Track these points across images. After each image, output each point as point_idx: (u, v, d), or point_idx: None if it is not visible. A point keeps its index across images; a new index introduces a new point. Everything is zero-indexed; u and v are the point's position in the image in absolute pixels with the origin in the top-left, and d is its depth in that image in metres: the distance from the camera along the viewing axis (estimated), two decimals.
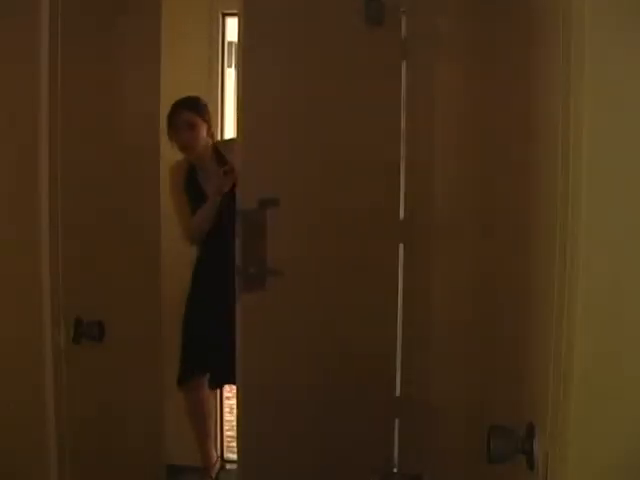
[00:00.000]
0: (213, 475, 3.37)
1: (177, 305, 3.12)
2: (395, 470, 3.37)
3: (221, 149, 3.13)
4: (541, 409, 1.12)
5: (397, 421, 3.35)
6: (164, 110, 2.36)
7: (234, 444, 3.72)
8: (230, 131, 4.48)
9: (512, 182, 1.52)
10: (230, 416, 3.90)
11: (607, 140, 1.02)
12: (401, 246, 3.31)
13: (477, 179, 2.00)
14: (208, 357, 3.07)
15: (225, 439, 3.70)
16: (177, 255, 3.16)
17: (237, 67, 3.02)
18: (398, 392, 3.34)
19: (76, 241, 1.67)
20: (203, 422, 3.27)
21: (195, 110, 3.07)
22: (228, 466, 3.62)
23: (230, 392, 3.74)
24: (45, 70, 1.52)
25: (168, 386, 2.50)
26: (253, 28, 2.92)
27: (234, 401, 3.30)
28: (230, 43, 3.87)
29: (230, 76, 4.15)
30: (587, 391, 1.02)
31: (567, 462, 1.03)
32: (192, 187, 3.08)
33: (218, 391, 3.44)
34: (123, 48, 1.99)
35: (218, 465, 3.43)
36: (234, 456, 3.63)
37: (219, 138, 3.42)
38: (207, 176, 3.06)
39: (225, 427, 3.72)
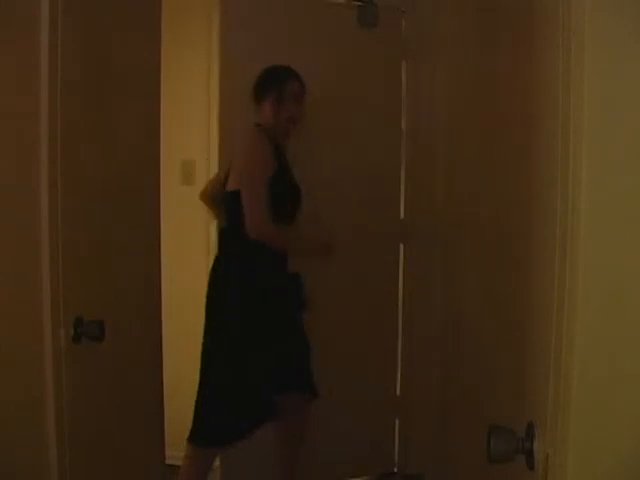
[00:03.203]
0: None
1: (178, 305, 3.12)
2: (395, 470, 3.37)
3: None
4: (541, 409, 1.12)
5: (397, 421, 3.35)
6: (164, 111, 2.36)
7: None
8: None
9: (512, 182, 1.52)
10: None
11: (607, 139, 1.02)
12: (401, 246, 3.32)
13: (477, 178, 2.00)
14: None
15: None
16: (177, 254, 3.17)
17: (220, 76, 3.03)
18: (398, 392, 3.35)
19: (76, 241, 1.67)
20: None
21: (302, 81, 2.75)
22: None
23: None
24: (45, 72, 1.52)
25: (168, 386, 2.49)
26: (235, 29, 2.98)
27: None
28: None
29: None
30: (587, 391, 1.02)
31: (567, 462, 1.03)
32: (280, 164, 2.62)
33: None
34: (122, 50, 1.99)
35: None
36: None
37: None
38: (287, 162, 2.72)
39: None
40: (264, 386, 2.61)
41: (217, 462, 3.40)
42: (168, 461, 2.57)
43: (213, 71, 3.29)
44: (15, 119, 1.48)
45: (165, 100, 2.38)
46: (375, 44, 3.20)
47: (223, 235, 2.77)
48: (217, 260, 2.71)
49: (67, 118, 1.59)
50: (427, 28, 3.12)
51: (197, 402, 2.59)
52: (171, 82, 2.71)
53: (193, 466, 2.64)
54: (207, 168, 3.36)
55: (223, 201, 2.69)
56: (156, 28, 2.27)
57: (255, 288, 2.60)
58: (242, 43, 3.08)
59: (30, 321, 1.54)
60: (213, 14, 3.27)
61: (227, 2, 3.08)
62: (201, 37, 3.36)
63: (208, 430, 2.58)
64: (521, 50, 1.45)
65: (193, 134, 3.41)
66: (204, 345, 2.61)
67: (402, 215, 3.33)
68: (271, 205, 2.52)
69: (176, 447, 2.93)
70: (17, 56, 1.49)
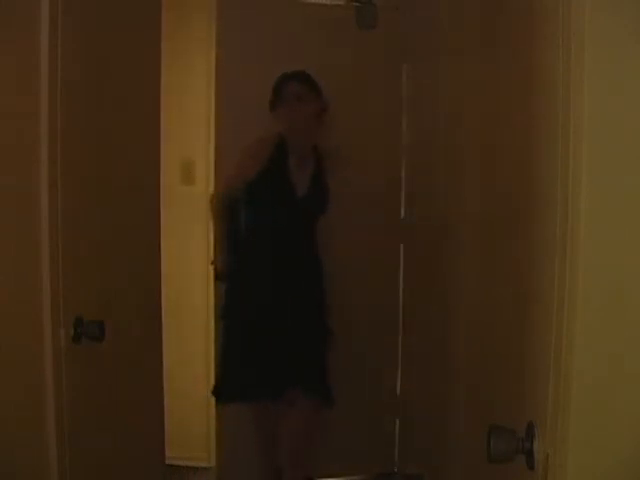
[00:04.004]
0: None
1: (178, 305, 3.12)
2: (395, 470, 3.37)
3: (323, 153, 2.85)
4: (541, 409, 1.12)
5: (397, 421, 3.35)
6: (164, 111, 2.36)
7: None
8: None
9: (512, 182, 1.52)
10: None
11: (607, 139, 1.02)
12: (401, 246, 3.32)
13: (477, 178, 2.00)
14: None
15: None
16: (177, 255, 3.17)
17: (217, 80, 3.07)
18: (398, 392, 3.35)
19: (76, 241, 1.67)
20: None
21: (305, 82, 2.75)
22: None
23: None
24: (45, 72, 1.52)
25: (168, 386, 2.49)
26: (233, 31, 3.02)
27: None
28: None
29: None
30: (587, 391, 1.02)
31: (567, 462, 1.03)
32: (275, 168, 2.74)
33: None
34: (122, 50, 1.99)
35: None
36: None
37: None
38: (299, 168, 2.78)
39: None
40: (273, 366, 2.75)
41: (214, 462, 3.42)
42: (168, 461, 2.57)
43: (213, 71, 3.30)
44: (15, 119, 1.48)
45: (165, 100, 2.38)
46: (374, 45, 3.21)
47: None
48: None
49: (67, 118, 1.58)
50: (427, 28, 3.12)
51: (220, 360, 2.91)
52: (171, 82, 2.71)
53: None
54: (207, 168, 3.36)
55: None
56: (156, 29, 2.27)
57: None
58: (240, 46, 3.11)
59: (30, 321, 1.54)
60: (213, 14, 3.28)
61: (225, 5, 3.11)
62: (201, 37, 3.35)
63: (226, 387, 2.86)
64: (521, 50, 1.45)
65: (193, 134, 3.41)
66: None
67: (402, 215, 3.33)
68: (250, 204, 2.76)
69: (176, 447, 2.94)
70: (17, 56, 1.49)
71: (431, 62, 3.07)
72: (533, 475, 1.11)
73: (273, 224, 2.80)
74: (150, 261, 2.28)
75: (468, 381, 2.04)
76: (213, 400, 3.35)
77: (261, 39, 3.14)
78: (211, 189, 3.34)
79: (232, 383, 2.85)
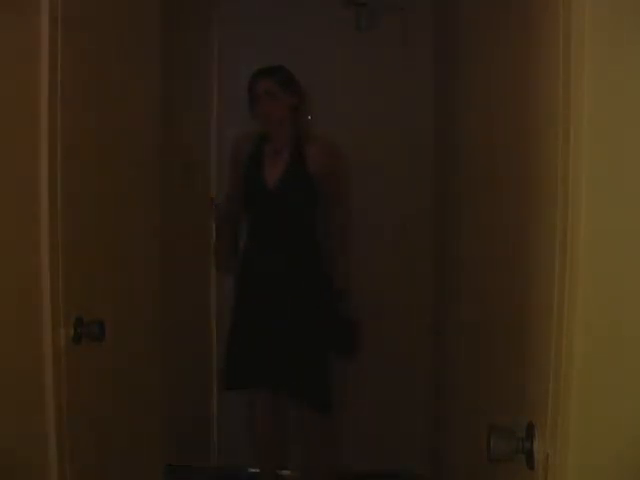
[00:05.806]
0: None
1: (178, 304, 3.12)
2: (395, 470, 3.37)
3: (306, 146, 2.79)
4: (541, 409, 1.12)
5: (398, 421, 3.35)
6: (164, 112, 2.36)
7: None
8: None
9: (512, 181, 1.52)
10: None
11: (608, 140, 1.02)
12: (401, 246, 3.32)
13: (477, 177, 2.00)
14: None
15: None
16: (177, 255, 3.17)
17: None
18: (400, 391, 3.35)
19: (76, 241, 1.67)
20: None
21: (275, 78, 2.75)
22: None
23: None
24: (45, 72, 1.52)
25: (169, 386, 2.50)
26: (233, 34, 3.12)
27: None
28: None
29: None
30: (587, 391, 1.02)
31: (567, 462, 1.03)
32: (251, 164, 2.82)
33: None
34: (123, 50, 1.99)
35: None
36: None
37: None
38: (272, 162, 2.79)
39: None
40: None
41: (214, 462, 3.42)
42: (168, 461, 2.57)
43: (214, 72, 3.31)
44: (15, 119, 1.48)
45: (165, 101, 2.38)
46: (373, 46, 3.22)
47: None
48: None
49: (68, 118, 1.58)
50: (426, 28, 3.13)
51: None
52: (171, 82, 2.71)
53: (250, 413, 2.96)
54: (207, 170, 3.37)
55: None
56: (156, 29, 2.27)
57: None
58: (241, 47, 3.13)
59: (30, 321, 1.54)
60: (214, 17, 3.29)
61: (226, 8, 3.14)
62: (202, 39, 3.36)
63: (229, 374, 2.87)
64: (521, 49, 1.45)
65: (193, 135, 3.41)
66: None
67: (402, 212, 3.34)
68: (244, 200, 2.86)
69: (176, 447, 2.94)
70: (17, 56, 1.49)
71: (430, 61, 3.08)
72: (533, 475, 1.12)
73: (255, 220, 2.85)
74: (150, 261, 2.28)
75: (468, 381, 2.04)
76: (213, 400, 3.37)
77: (262, 40, 3.16)
78: (212, 191, 3.35)
79: (238, 372, 2.86)
